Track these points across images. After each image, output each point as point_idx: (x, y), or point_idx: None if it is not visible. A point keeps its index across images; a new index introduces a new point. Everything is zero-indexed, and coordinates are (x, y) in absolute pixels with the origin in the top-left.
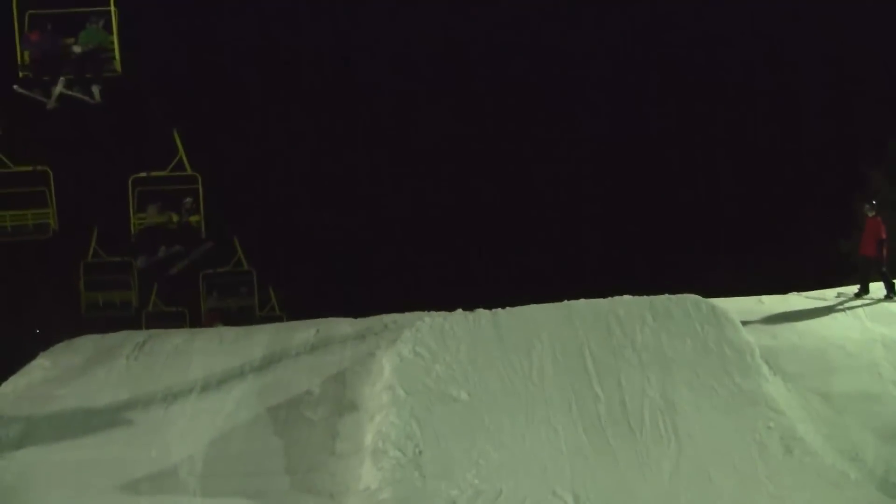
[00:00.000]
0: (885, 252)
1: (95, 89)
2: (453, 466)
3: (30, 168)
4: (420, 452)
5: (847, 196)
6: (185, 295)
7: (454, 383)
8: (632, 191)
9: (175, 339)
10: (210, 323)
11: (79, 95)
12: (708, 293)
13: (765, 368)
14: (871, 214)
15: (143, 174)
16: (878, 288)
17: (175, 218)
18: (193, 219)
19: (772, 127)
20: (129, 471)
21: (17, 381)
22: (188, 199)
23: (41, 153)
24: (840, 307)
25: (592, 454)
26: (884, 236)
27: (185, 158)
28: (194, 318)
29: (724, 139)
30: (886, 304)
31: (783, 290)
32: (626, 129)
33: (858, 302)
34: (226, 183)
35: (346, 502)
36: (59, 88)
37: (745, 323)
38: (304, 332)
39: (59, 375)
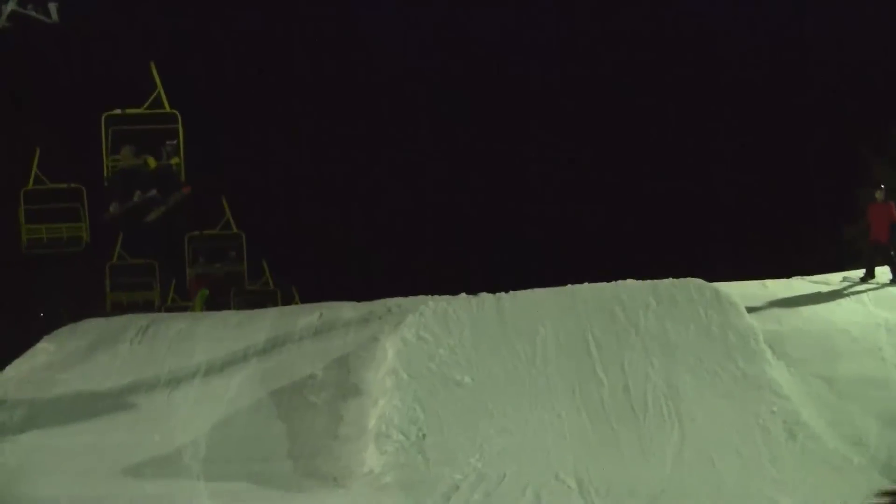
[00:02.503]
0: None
1: (52, 7)
2: (457, 451)
3: (64, 185)
4: (423, 436)
5: (850, 181)
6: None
7: (458, 367)
8: (635, 177)
9: (178, 324)
10: (196, 290)
11: (33, 14)
12: (711, 277)
13: (768, 353)
14: (881, 199)
15: (118, 111)
16: (883, 272)
17: (152, 161)
18: (173, 161)
19: (775, 112)
20: (133, 455)
21: (20, 365)
22: (169, 142)
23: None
24: (844, 292)
25: (595, 439)
26: None
27: (163, 94)
28: (165, 271)
29: (726, 125)
30: (891, 289)
31: (787, 275)
32: (630, 116)
33: (863, 286)
34: (227, 174)
35: (349, 486)
36: (10, 6)
37: (748, 308)
38: (307, 315)
39: (62, 359)
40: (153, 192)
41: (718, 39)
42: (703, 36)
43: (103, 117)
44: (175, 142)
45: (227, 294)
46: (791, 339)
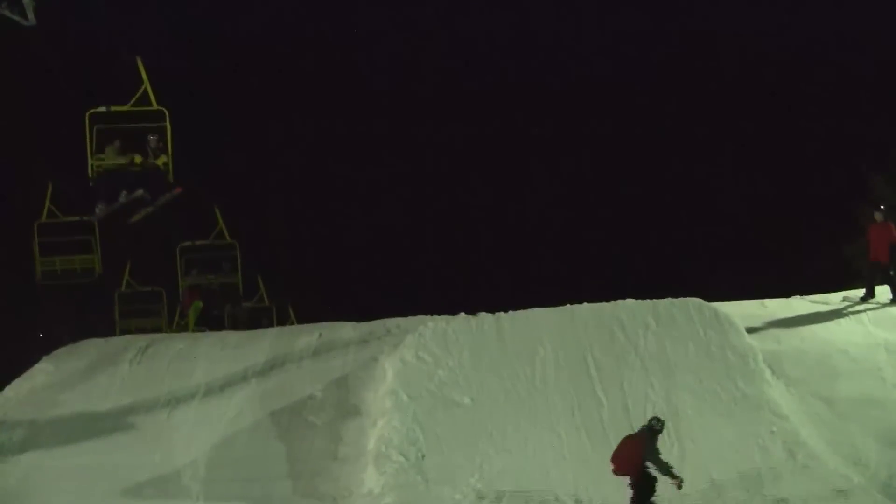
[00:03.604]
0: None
1: (29, 7)
2: (456, 471)
3: (77, 218)
4: (423, 457)
5: (850, 201)
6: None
7: (457, 388)
8: (635, 195)
9: (178, 344)
10: (189, 302)
11: (8, 14)
12: (711, 297)
13: (768, 373)
14: (881, 219)
15: (102, 109)
16: (883, 293)
17: (138, 159)
18: (160, 160)
19: (775, 131)
20: (133, 475)
21: (20, 386)
22: (152, 137)
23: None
24: (844, 312)
25: (595, 459)
26: None
27: (150, 90)
28: (172, 298)
29: (727, 144)
30: (891, 309)
31: (786, 295)
32: (629, 132)
33: (863, 306)
34: (223, 186)
35: None
36: None
37: (747, 327)
38: (307, 336)
39: (61, 380)
40: (140, 192)
41: (721, 56)
42: (706, 52)
43: (87, 115)
44: (157, 137)
45: (221, 307)
46: (790, 358)
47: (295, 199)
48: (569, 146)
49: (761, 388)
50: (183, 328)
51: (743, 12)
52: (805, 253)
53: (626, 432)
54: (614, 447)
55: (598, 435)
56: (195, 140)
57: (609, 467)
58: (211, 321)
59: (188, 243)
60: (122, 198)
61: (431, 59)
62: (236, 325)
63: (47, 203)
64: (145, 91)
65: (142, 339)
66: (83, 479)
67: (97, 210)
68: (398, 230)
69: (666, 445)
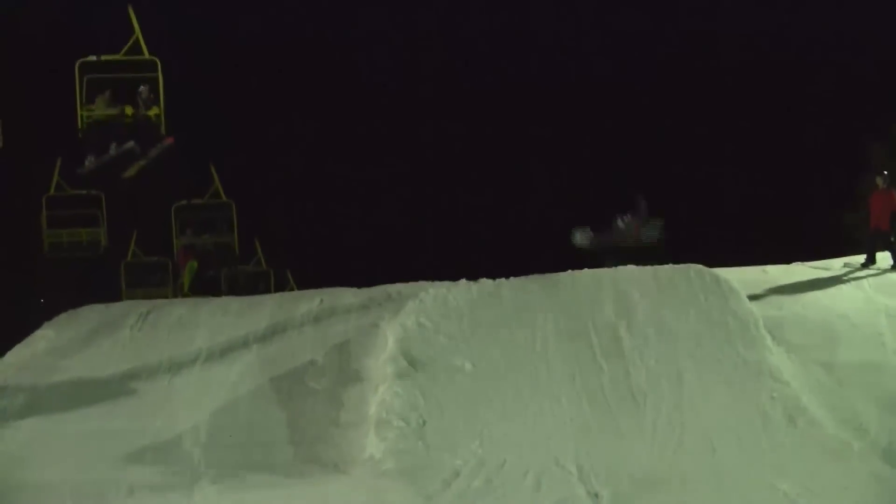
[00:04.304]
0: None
1: None
2: (457, 437)
3: (84, 192)
4: (424, 423)
5: (851, 167)
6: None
7: (458, 354)
8: (634, 164)
9: (179, 310)
10: (184, 262)
11: None
12: (711, 263)
13: (768, 339)
14: (883, 186)
15: (92, 58)
16: (883, 259)
17: (129, 111)
18: (152, 112)
19: (775, 98)
20: (134, 441)
21: (20, 352)
22: (143, 88)
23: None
24: (845, 278)
25: (596, 425)
26: None
27: (141, 40)
28: (176, 270)
29: (726, 112)
30: (891, 275)
31: (787, 261)
32: (628, 105)
33: (863, 272)
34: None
35: (350, 472)
36: None
37: (748, 293)
38: (307, 302)
39: (62, 346)
40: (131, 143)
41: (718, 31)
42: (704, 29)
43: (77, 65)
44: (149, 87)
45: (216, 267)
46: (791, 324)
47: (296, 164)
48: (568, 146)
49: (762, 354)
50: (180, 290)
51: (743, 12)
52: (805, 220)
53: (627, 399)
54: (615, 414)
55: (599, 401)
56: (190, 94)
57: (610, 434)
58: (206, 282)
59: (183, 202)
60: (113, 150)
61: (431, 58)
62: (234, 288)
63: (55, 177)
64: (136, 40)
65: (143, 305)
66: (84, 444)
67: (87, 162)
68: (400, 202)
69: (666, 412)
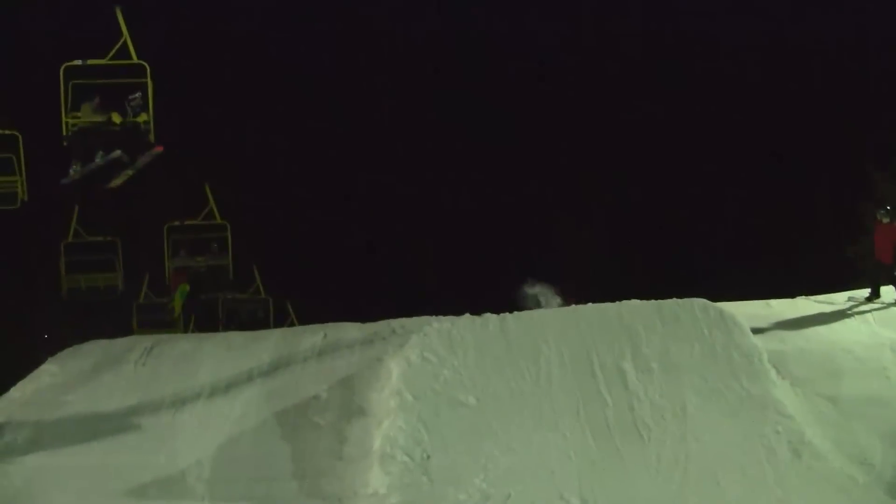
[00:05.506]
0: None
1: None
2: (461, 471)
3: (101, 238)
4: (428, 457)
5: (853, 200)
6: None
7: (462, 388)
8: (639, 196)
9: (183, 344)
10: (175, 285)
11: None
12: (715, 297)
13: (773, 373)
14: (885, 220)
15: (78, 62)
16: (888, 292)
17: (117, 118)
18: (140, 118)
19: (777, 130)
20: (137, 476)
21: (24, 387)
22: (137, 95)
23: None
24: (849, 311)
25: (600, 459)
26: None
27: (129, 43)
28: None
29: (729, 143)
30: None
31: (791, 295)
32: (630, 132)
33: (867, 306)
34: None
35: None
36: None
37: (753, 327)
38: (311, 336)
39: (66, 381)
40: (118, 152)
41: (720, 56)
42: (704, 52)
43: (62, 69)
44: (139, 95)
45: (209, 291)
46: (795, 358)
47: (290, 170)
48: (569, 146)
49: (766, 388)
50: (171, 313)
51: (743, 12)
52: (809, 253)
53: (631, 432)
54: (619, 447)
55: (603, 434)
56: (181, 101)
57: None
58: (199, 306)
59: (176, 223)
60: (99, 158)
61: (432, 57)
62: (231, 316)
63: (73, 224)
64: (125, 44)
65: (147, 340)
66: (88, 479)
67: (71, 171)
68: (401, 224)
69: (670, 445)
